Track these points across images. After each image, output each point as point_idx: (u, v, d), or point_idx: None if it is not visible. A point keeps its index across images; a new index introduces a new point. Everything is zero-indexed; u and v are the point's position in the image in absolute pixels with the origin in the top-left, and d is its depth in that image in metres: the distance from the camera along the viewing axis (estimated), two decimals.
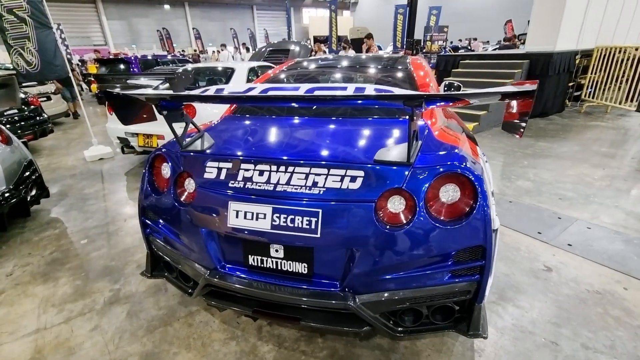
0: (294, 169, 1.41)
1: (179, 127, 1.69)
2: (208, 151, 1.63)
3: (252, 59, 7.95)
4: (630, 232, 2.72)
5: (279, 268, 1.53)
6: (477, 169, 1.40)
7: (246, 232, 1.47)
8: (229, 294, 1.67)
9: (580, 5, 6.35)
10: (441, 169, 1.35)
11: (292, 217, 1.40)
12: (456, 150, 1.49)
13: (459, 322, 1.52)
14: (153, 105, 1.63)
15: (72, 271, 2.49)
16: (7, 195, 2.84)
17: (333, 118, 1.94)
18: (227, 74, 4.84)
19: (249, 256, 1.56)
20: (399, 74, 2.43)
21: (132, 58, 8.71)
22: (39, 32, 4.60)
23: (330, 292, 1.45)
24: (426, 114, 1.90)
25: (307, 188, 1.40)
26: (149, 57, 9.92)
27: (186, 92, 1.54)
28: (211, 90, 1.55)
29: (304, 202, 1.39)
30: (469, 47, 17.28)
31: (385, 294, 1.42)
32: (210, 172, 1.55)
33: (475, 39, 22.53)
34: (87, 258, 2.65)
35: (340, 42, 17.93)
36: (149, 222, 1.85)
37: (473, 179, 1.35)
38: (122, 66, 8.83)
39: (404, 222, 1.37)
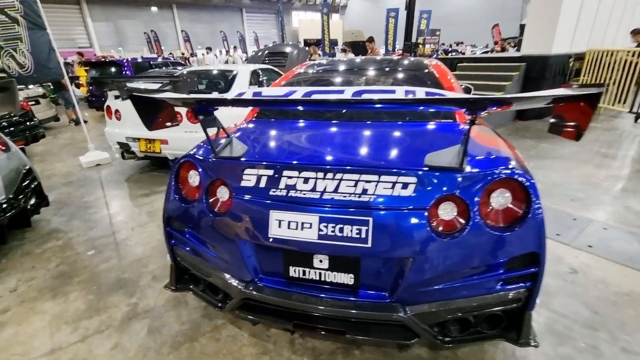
0: (342, 176, 1.35)
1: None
2: (244, 158, 1.54)
3: (250, 61, 7.86)
4: None
5: (323, 279, 1.46)
6: (529, 174, 1.37)
7: (289, 242, 1.40)
8: (265, 308, 1.59)
9: (573, 10, 6.50)
10: (495, 175, 1.31)
11: (341, 226, 1.33)
12: (504, 155, 1.45)
13: (507, 331, 1.48)
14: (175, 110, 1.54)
15: (83, 285, 2.36)
16: (6, 205, 2.68)
17: (368, 122, 1.88)
18: (229, 77, 4.75)
19: (290, 267, 1.49)
20: (425, 77, 2.39)
21: (124, 61, 8.49)
22: (32, 33, 4.41)
23: (379, 303, 1.39)
24: (461, 117, 1.87)
25: (357, 195, 1.34)
26: (139, 60, 9.70)
27: (222, 96, 1.46)
28: (249, 94, 1.47)
29: (353, 210, 1.33)
30: (459, 51, 17.55)
31: (437, 304, 1.37)
32: (249, 180, 1.47)
33: (461, 43, 23.00)
34: (96, 270, 2.52)
35: (333, 45, 18.01)
36: (174, 232, 1.75)
37: (527, 184, 1.32)
38: (113, 69, 8.60)
39: (458, 229, 1.32)
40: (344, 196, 1.35)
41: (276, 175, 1.43)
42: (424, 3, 18.05)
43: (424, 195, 1.31)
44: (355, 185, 1.34)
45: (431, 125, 1.81)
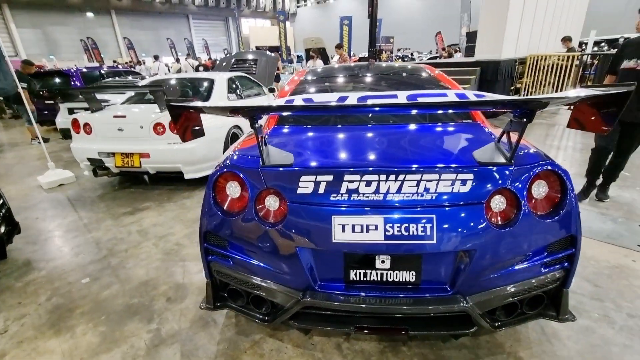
0: (404, 177, 1.40)
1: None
2: (297, 165, 1.52)
3: (217, 69, 7.62)
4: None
5: (384, 279, 1.49)
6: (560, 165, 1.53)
7: (354, 246, 1.41)
8: (321, 314, 1.58)
9: (516, 19, 7.27)
10: (540, 167, 1.45)
11: (407, 225, 1.38)
12: (533, 149, 1.60)
13: (547, 309, 1.62)
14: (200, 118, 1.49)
15: (88, 316, 2.13)
16: None
17: (402, 124, 1.97)
18: (208, 85, 4.60)
19: (351, 271, 1.49)
20: (434, 81, 2.51)
21: (73, 71, 7.77)
22: None
23: (442, 296, 1.45)
24: (478, 116, 2.02)
25: (420, 195, 1.39)
26: (84, 70, 8.93)
27: (273, 103, 1.44)
28: (298, 100, 1.47)
29: (418, 209, 1.39)
30: (409, 56, 18.60)
31: (493, 292, 1.46)
32: (306, 187, 1.46)
33: (408, 49, 24.45)
34: (99, 299, 2.28)
35: (289, 52, 18.12)
36: (213, 248, 1.67)
37: (563, 174, 1.47)
38: (58, 80, 7.82)
39: (511, 220, 1.43)
40: (407, 196, 1.40)
41: (337, 181, 1.43)
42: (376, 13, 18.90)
43: (481, 190, 1.41)
44: (418, 185, 1.40)
45: (458, 126, 1.93)
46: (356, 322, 1.54)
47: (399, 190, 1.40)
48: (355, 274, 1.49)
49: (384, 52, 14.97)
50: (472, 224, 1.39)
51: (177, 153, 3.78)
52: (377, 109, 1.40)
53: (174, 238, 3.03)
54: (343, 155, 1.64)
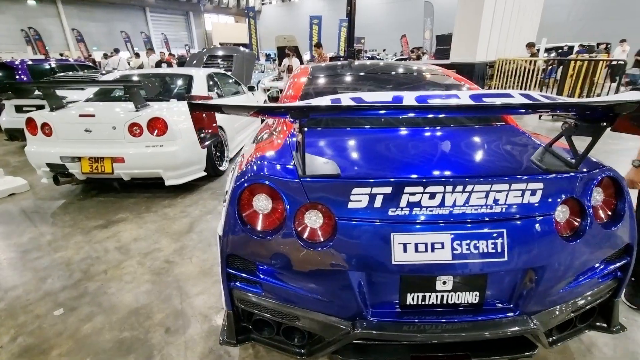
0: (472, 188, 1.24)
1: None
2: (346, 176, 1.30)
3: (188, 65, 7.08)
4: None
5: (444, 302, 1.32)
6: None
7: (417, 267, 1.23)
8: (370, 344, 1.38)
9: (487, 25, 7.53)
10: (601, 174, 1.36)
11: (476, 242, 1.23)
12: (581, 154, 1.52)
13: (596, 321, 1.55)
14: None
15: (69, 358, 1.76)
16: None
17: (437, 127, 1.82)
18: (187, 82, 4.22)
19: (408, 295, 1.31)
20: (454, 82, 2.40)
21: (18, 64, 6.85)
22: None
23: (508, 318, 1.31)
24: (511, 119, 1.93)
25: (489, 207, 1.25)
26: (29, 62, 7.95)
27: (324, 103, 1.21)
28: (345, 101, 1.25)
29: (487, 223, 1.24)
30: (378, 57, 18.88)
31: (557, 309, 1.36)
32: (359, 201, 1.25)
33: (375, 50, 24.92)
34: (79, 335, 1.91)
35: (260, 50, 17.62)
36: (236, 273, 1.41)
37: (620, 180, 1.40)
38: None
39: (578, 230, 1.33)
40: (476, 209, 1.24)
41: (395, 193, 1.24)
42: (342, 13, 18.96)
43: (550, 199, 1.29)
44: (487, 196, 1.25)
45: (496, 129, 1.83)
46: (412, 352, 1.36)
47: (466, 203, 1.24)
48: (413, 298, 1.32)
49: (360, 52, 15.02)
50: (542, 237, 1.27)
51: (156, 157, 3.38)
52: (439, 111, 1.24)
53: (161, 255, 2.66)
54: (394, 163, 1.45)
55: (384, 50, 24.72)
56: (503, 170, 1.33)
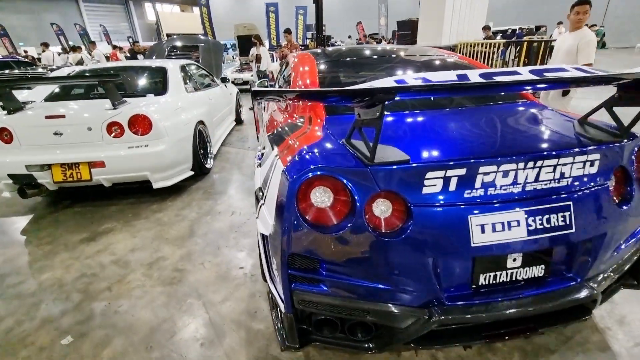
0: (542, 163, 1.24)
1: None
2: (415, 161, 1.24)
3: (148, 57, 6.50)
4: None
5: (513, 279, 1.34)
6: None
7: (495, 247, 1.22)
8: (443, 330, 1.37)
9: (449, 10, 7.77)
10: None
11: (547, 216, 1.25)
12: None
13: (626, 279, 1.67)
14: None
15: None
16: None
17: (476, 107, 1.84)
18: (162, 74, 3.88)
19: (480, 275, 1.30)
20: (468, 65, 2.39)
21: None
22: None
23: (573, 286, 1.36)
24: (530, 97, 1.98)
25: (556, 181, 1.27)
26: None
27: (379, 85, 1.12)
28: (411, 82, 1.18)
29: (555, 197, 1.26)
30: (336, 44, 18.84)
31: (611, 274, 1.43)
32: (433, 185, 1.21)
33: (332, 37, 24.87)
34: None
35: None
36: (298, 273, 1.32)
37: None
38: None
39: (627, 197, 1.40)
40: (545, 184, 1.26)
41: (470, 174, 1.21)
42: (297, 1, 18.57)
43: (605, 169, 1.34)
44: (554, 170, 1.26)
45: (526, 105, 1.87)
46: (484, 331, 1.37)
47: (536, 179, 1.25)
48: (485, 278, 1.31)
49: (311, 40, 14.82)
50: (602, 205, 1.33)
51: (142, 158, 3.08)
52: (508, 87, 1.22)
53: (168, 263, 2.45)
54: (457, 144, 1.42)
55: (349, 37, 24.73)
56: (562, 145, 1.35)
